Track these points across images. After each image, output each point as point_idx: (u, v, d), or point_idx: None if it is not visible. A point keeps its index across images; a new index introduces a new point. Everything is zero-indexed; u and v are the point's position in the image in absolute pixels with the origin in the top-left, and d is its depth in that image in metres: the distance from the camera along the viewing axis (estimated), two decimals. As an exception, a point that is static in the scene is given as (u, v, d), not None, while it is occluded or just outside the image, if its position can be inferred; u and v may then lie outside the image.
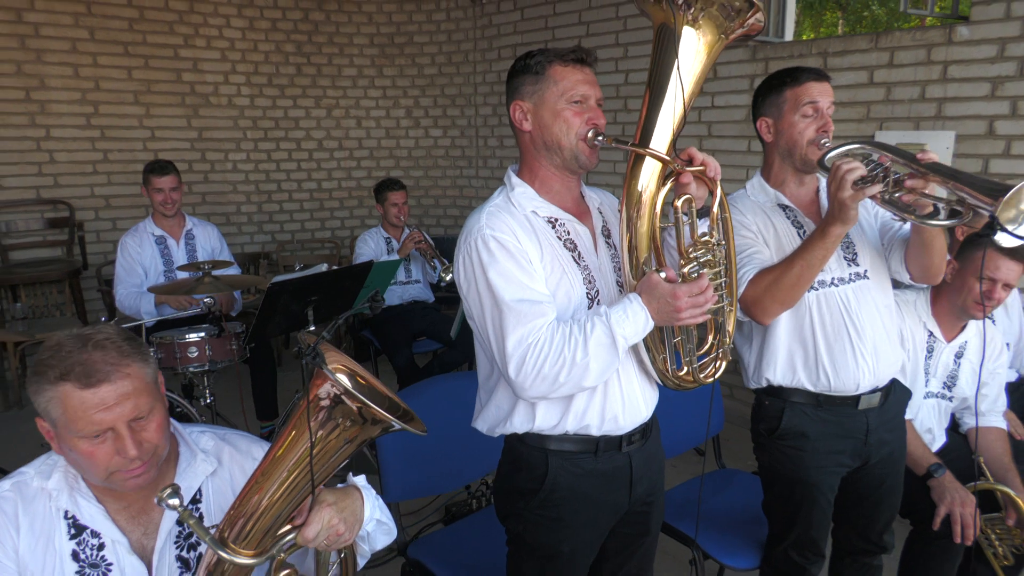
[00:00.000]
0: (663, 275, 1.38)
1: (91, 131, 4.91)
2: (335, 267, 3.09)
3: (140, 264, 3.50)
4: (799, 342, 1.83)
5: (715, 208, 1.44)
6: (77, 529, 1.21)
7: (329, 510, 1.16)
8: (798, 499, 1.87)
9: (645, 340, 1.48)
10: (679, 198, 1.40)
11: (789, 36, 4.06)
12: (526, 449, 1.55)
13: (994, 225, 1.44)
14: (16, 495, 1.20)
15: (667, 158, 1.38)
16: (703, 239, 1.42)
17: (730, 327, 1.55)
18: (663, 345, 1.49)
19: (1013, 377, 2.85)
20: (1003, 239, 1.46)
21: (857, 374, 1.80)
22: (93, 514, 1.22)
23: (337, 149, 5.81)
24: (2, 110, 4.61)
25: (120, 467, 1.14)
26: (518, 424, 1.52)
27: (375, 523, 1.30)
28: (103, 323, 1.21)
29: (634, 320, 1.37)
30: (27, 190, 4.78)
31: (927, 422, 2.29)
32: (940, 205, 1.62)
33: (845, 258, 1.81)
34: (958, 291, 2.17)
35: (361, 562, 1.39)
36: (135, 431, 1.14)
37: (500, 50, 5.37)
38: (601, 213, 1.62)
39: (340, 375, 1.14)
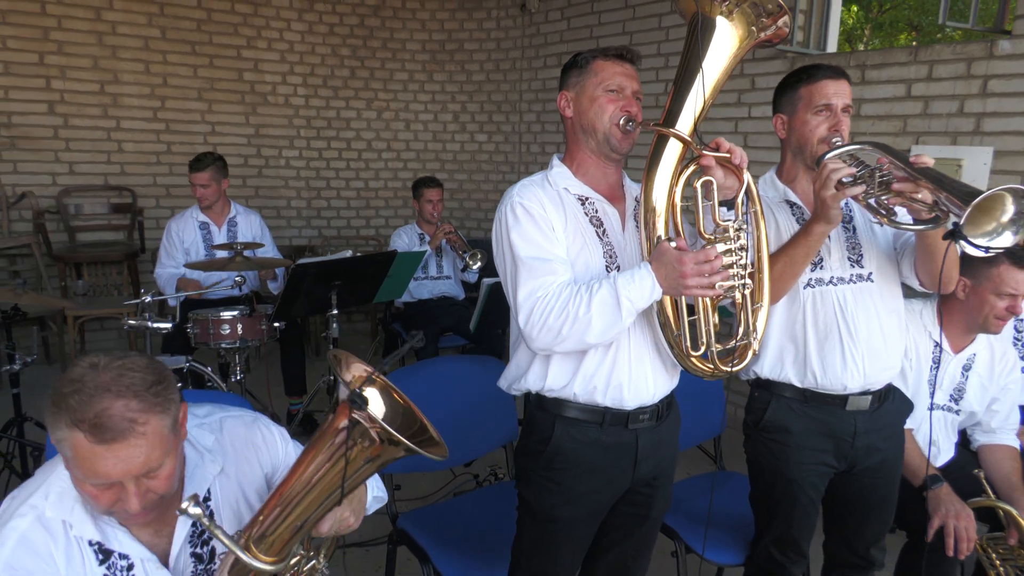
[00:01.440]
0: (673, 244, 1.45)
1: (157, 124, 5.24)
2: (359, 254, 3.22)
3: (182, 246, 3.73)
4: (790, 338, 1.84)
5: (740, 197, 1.50)
6: (104, 554, 1.19)
7: (343, 507, 1.21)
8: (779, 495, 1.87)
9: (659, 315, 1.54)
10: (699, 179, 1.47)
11: (832, 48, 4.02)
12: (539, 414, 1.66)
13: (956, 232, 1.44)
14: (44, 533, 1.15)
15: (687, 139, 1.47)
16: (725, 222, 1.49)
17: (759, 323, 1.58)
18: (678, 321, 1.53)
19: (1038, 401, 2.75)
20: (965, 247, 1.45)
21: (844, 375, 1.79)
22: (120, 538, 1.20)
23: (385, 150, 6.00)
24: (79, 101, 4.97)
25: (120, 511, 1.13)
26: (532, 381, 1.64)
27: (372, 499, 1.42)
28: (134, 355, 1.12)
29: (640, 284, 1.45)
30: (96, 176, 5.12)
31: (932, 434, 2.24)
32: (925, 210, 1.62)
33: (849, 259, 1.81)
34: (976, 308, 2.14)
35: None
36: (142, 483, 1.10)
37: (546, 58, 5.47)
38: (637, 201, 1.70)
39: (375, 410, 1.11)
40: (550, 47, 5.43)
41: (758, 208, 1.56)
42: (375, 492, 1.43)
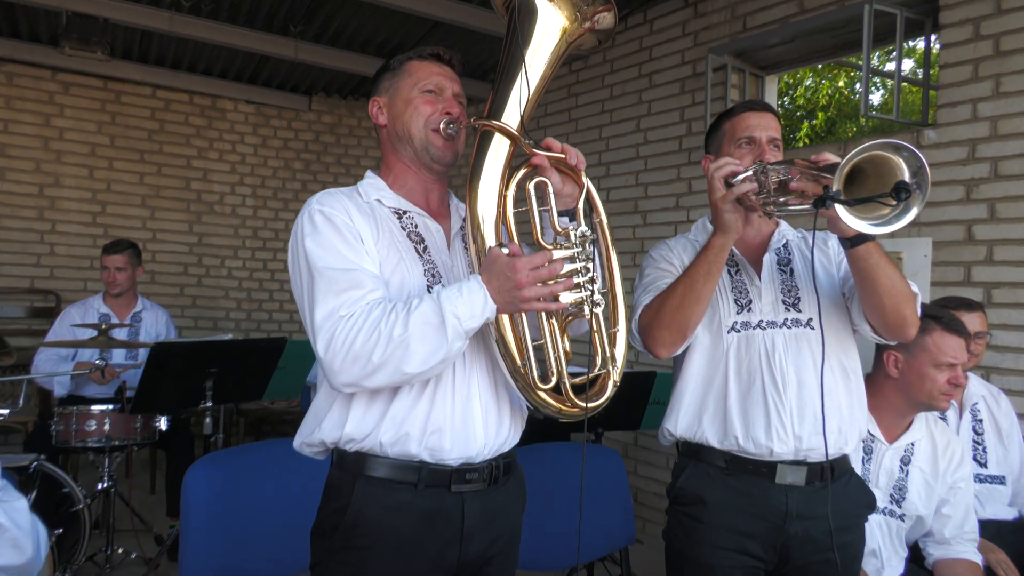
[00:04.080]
0: (506, 250, 1.20)
1: (95, 228, 5.11)
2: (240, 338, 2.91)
3: (76, 336, 3.42)
4: (709, 390, 1.59)
5: (580, 204, 1.32)
6: None
7: None
8: None
9: (498, 339, 1.27)
10: (531, 181, 1.27)
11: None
12: (337, 475, 1.32)
13: (825, 196, 1.21)
14: None
15: (515, 133, 1.29)
16: (565, 230, 1.26)
17: (618, 352, 1.35)
18: (522, 347, 1.26)
19: (1012, 516, 2.35)
20: (841, 212, 1.22)
21: (770, 435, 1.50)
22: None
23: (334, 263, 5.85)
24: (14, 203, 4.88)
25: None
26: (327, 429, 1.30)
27: None
28: None
29: (469, 298, 1.18)
30: (22, 279, 4.92)
31: (870, 543, 1.83)
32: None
33: (783, 301, 1.59)
34: (916, 385, 1.84)
35: None
36: None
37: (497, 174, 5.46)
38: (465, 220, 1.46)
39: None
40: (501, 163, 5.43)
41: (603, 218, 1.36)
42: None
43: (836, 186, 1.19)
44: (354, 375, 1.19)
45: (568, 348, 1.32)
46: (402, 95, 1.39)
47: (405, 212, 1.38)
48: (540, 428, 2.30)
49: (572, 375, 1.31)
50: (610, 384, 1.34)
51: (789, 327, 1.57)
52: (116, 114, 5.16)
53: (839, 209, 1.22)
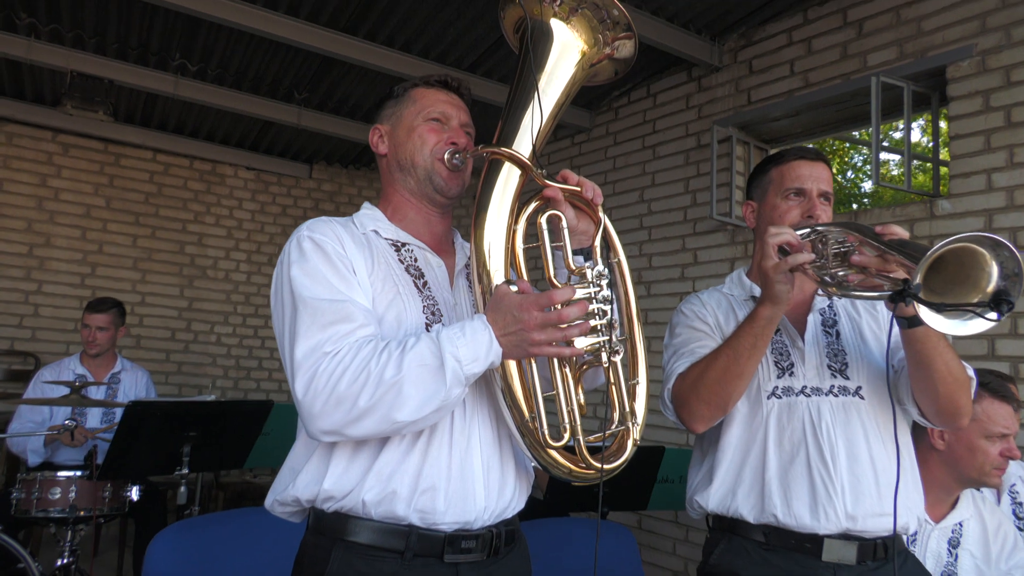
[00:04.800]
0: (515, 288, 1.09)
1: (83, 290, 4.97)
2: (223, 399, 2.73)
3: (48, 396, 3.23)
4: (746, 459, 1.45)
5: (596, 241, 1.21)
6: None
7: None
8: None
9: (504, 393, 1.13)
10: (543, 214, 1.17)
11: (775, 227, 3.91)
12: (313, 539, 1.16)
13: (905, 291, 1.08)
14: None
15: (526, 161, 1.18)
16: (579, 269, 1.15)
17: (639, 407, 1.22)
18: (531, 399, 1.12)
19: (1062, 612, 2.13)
20: (923, 313, 1.08)
21: (816, 513, 1.36)
22: None
23: (327, 332, 5.70)
24: (2, 262, 4.75)
25: None
26: (303, 485, 1.15)
27: None
28: None
29: (472, 339, 1.06)
30: (2, 340, 4.73)
31: (920, 640, 1.63)
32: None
33: (830, 367, 1.47)
34: (967, 459, 1.71)
35: None
36: None
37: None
38: (470, 259, 1.35)
39: None
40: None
41: (621, 258, 1.24)
42: None
43: (918, 278, 1.06)
44: (336, 421, 1.05)
45: (583, 401, 1.18)
46: (405, 123, 1.32)
47: (404, 244, 1.28)
48: (536, 504, 2.12)
49: (586, 432, 1.17)
50: (630, 443, 1.20)
51: (836, 395, 1.44)
52: (114, 176, 5.12)
53: (922, 310, 1.08)
